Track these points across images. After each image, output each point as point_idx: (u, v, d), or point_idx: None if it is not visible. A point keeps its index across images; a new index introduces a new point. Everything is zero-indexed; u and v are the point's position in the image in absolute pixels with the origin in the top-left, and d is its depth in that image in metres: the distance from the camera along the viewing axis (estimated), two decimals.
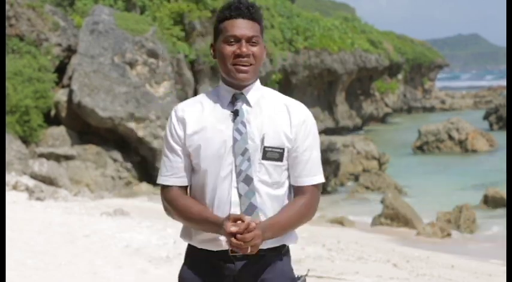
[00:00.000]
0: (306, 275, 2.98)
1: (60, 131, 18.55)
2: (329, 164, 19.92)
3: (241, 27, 2.88)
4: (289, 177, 2.94)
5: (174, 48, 21.57)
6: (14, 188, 14.05)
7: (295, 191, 2.94)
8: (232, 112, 2.89)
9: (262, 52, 2.92)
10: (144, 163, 18.94)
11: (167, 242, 9.03)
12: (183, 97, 19.63)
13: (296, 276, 2.96)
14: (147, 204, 14.81)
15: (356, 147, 23.20)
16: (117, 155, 18.62)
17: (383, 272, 9.00)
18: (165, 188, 2.95)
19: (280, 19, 31.93)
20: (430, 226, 13.88)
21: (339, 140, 22.98)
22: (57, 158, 17.55)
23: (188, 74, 21.60)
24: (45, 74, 19.14)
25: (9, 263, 7.10)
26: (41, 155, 17.41)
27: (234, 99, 2.92)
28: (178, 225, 3.04)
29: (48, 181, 15.84)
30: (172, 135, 2.93)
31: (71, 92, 18.73)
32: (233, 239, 2.71)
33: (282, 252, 2.93)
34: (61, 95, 19.16)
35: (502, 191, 17.04)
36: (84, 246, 8.96)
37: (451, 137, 28.90)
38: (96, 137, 18.97)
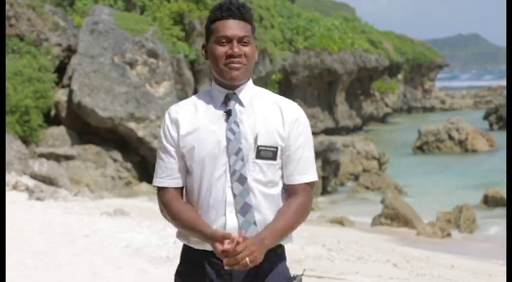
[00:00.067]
0: (302, 274, 2.98)
1: (60, 131, 18.56)
2: (329, 164, 19.92)
3: (233, 27, 2.90)
4: (283, 176, 2.94)
5: (174, 48, 21.57)
6: (14, 188, 14.05)
7: (288, 190, 2.95)
8: (225, 112, 2.90)
9: (254, 52, 2.95)
10: (144, 163, 18.94)
11: (167, 242, 9.03)
12: (183, 97, 19.63)
13: (292, 275, 2.96)
14: (147, 204, 14.81)
15: (356, 147, 23.20)
16: (117, 155, 18.63)
17: (383, 272, 9.00)
18: (160, 190, 2.97)
19: (280, 19, 31.93)
20: (430, 226, 13.88)
21: (339, 140, 22.99)
22: (57, 158, 17.55)
23: (188, 74, 21.60)
24: (45, 74, 19.14)
25: (9, 263, 7.10)
26: (41, 155, 17.41)
27: (226, 100, 2.93)
28: None
29: (48, 181, 15.84)
30: (166, 137, 2.94)
31: (71, 92, 18.73)
32: (227, 260, 2.72)
33: (277, 252, 2.93)
34: (61, 95, 19.16)
35: (502, 191, 17.04)
36: (84, 246, 8.96)
37: (451, 137, 28.91)
38: (96, 137, 18.97)
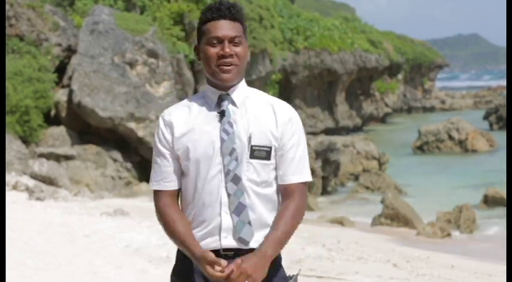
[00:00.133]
0: (298, 274, 2.99)
1: (60, 131, 18.56)
2: (329, 164, 19.92)
3: (223, 28, 2.90)
4: (277, 176, 2.96)
5: (174, 48, 21.57)
6: (14, 188, 14.05)
7: (282, 190, 2.95)
8: (218, 113, 2.92)
9: (246, 52, 2.95)
10: (144, 163, 18.94)
11: (167, 242, 9.03)
12: (183, 97, 19.63)
13: (288, 275, 2.97)
14: (147, 204, 14.81)
15: (356, 147, 23.20)
16: (117, 155, 18.63)
17: (383, 272, 9.00)
18: (156, 193, 2.99)
19: (280, 19, 31.94)
20: (430, 226, 13.88)
21: (339, 140, 22.98)
22: (57, 158, 17.55)
23: (188, 74, 21.60)
24: (45, 74, 19.14)
25: (9, 263, 7.10)
26: (41, 155, 17.41)
27: (220, 100, 2.94)
28: None
29: (48, 181, 15.84)
30: (160, 140, 2.97)
31: (71, 92, 18.73)
32: None
33: None
34: (61, 95, 19.16)
35: (502, 191, 17.04)
36: (84, 246, 8.96)
37: (451, 137, 28.90)
38: (96, 137, 18.98)
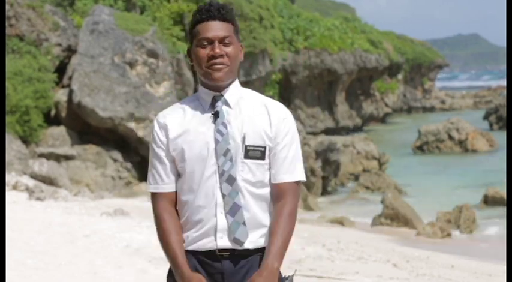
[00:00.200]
0: (294, 274, 3.00)
1: (60, 131, 18.55)
2: (329, 164, 19.92)
3: (213, 29, 2.91)
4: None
5: (174, 48, 21.57)
6: (14, 188, 14.05)
7: (274, 190, 2.96)
8: (212, 114, 2.93)
9: (237, 52, 2.96)
10: (144, 163, 18.93)
11: None
12: (183, 97, 19.62)
13: (283, 276, 2.97)
14: (147, 204, 14.81)
15: (356, 147, 23.20)
16: (117, 155, 18.62)
17: (383, 272, 9.00)
18: (154, 196, 3.01)
19: (280, 19, 31.94)
20: (430, 226, 13.88)
21: (339, 140, 22.98)
22: (57, 158, 17.55)
23: (188, 74, 21.60)
24: (45, 74, 19.14)
25: (9, 263, 7.10)
26: (41, 155, 17.41)
27: (214, 101, 2.96)
28: None
29: (48, 181, 15.84)
30: (156, 142, 2.98)
31: (71, 92, 18.73)
32: None
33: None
34: (61, 95, 19.16)
35: (502, 191, 17.04)
36: (84, 246, 8.96)
37: (451, 137, 28.90)
38: (96, 137, 18.97)
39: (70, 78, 19.53)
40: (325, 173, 19.71)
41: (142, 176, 18.63)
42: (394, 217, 14.66)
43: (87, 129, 19.00)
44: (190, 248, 2.94)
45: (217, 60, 2.90)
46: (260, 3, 27.66)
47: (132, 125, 18.72)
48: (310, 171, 18.88)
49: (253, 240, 2.90)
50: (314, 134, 28.82)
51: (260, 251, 2.92)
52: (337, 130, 35.20)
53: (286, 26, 32.19)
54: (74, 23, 21.50)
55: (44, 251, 8.47)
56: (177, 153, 2.93)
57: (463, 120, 29.77)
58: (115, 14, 20.75)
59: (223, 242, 2.88)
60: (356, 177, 21.79)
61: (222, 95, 2.96)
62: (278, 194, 2.95)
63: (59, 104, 18.99)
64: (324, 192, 19.67)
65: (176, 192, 2.99)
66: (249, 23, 25.95)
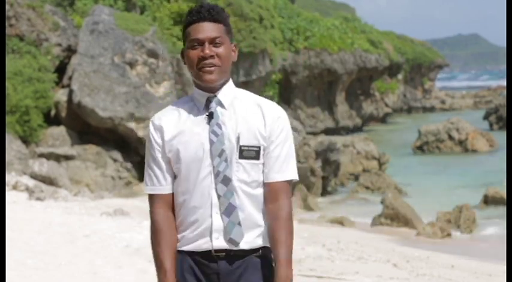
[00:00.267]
0: None
1: (60, 131, 18.55)
2: (329, 164, 19.91)
3: (203, 30, 2.93)
4: None
5: (174, 48, 21.57)
6: (14, 188, 14.05)
7: (267, 188, 2.96)
8: (207, 115, 2.94)
9: (229, 52, 2.97)
10: (144, 163, 18.90)
11: None
12: (183, 97, 19.61)
13: None
14: (147, 204, 14.79)
15: (356, 147, 23.20)
16: (117, 155, 18.62)
17: (383, 272, 9.00)
18: (151, 197, 3.03)
19: (280, 19, 31.95)
20: (430, 226, 13.88)
21: (339, 140, 22.98)
22: (57, 158, 17.55)
23: (188, 74, 21.57)
24: (45, 74, 19.14)
25: (9, 263, 7.10)
26: (41, 155, 17.41)
27: (208, 102, 2.97)
28: None
29: (48, 181, 15.84)
30: (152, 144, 3.01)
31: (71, 92, 18.73)
32: None
33: (263, 253, 2.97)
34: (61, 95, 19.16)
35: (502, 191, 17.04)
36: (84, 246, 8.96)
37: (451, 137, 28.90)
38: (96, 137, 18.97)
39: (70, 78, 19.53)
40: (325, 173, 19.71)
41: (142, 176, 18.50)
42: (394, 217, 14.66)
43: (87, 129, 19.00)
44: (186, 248, 2.95)
45: (208, 62, 2.92)
46: (260, 3, 27.67)
47: (132, 125, 18.72)
48: (310, 171, 18.88)
49: (249, 240, 2.92)
50: (314, 134, 28.82)
51: (255, 252, 2.94)
52: (337, 130, 35.20)
53: (286, 26, 32.19)
54: (74, 23, 21.50)
55: (44, 251, 8.47)
56: (173, 155, 2.95)
57: (463, 120, 29.76)
58: (115, 14, 20.75)
59: (219, 242, 2.90)
60: (356, 177, 21.79)
61: (215, 96, 2.97)
62: (271, 193, 2.96)
63: (59, 104, 18.99)
64: (324, 192, 19.66)
65: (173, 193, 3.00)
66: (249, 23, 25.97)
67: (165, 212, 3.00)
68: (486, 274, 9.80)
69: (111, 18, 20.12)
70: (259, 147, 2.93)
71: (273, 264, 2.99)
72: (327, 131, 32.96)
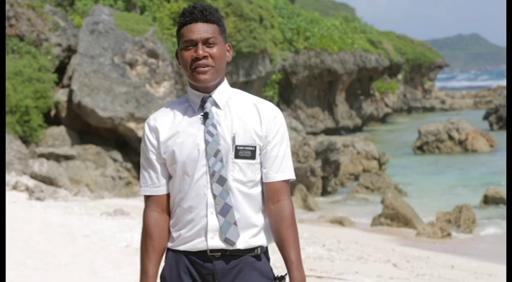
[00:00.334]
0: (286, 274, 3.01)
1: (60, 131, 18.55)
2: (329, 164, 19.91)
3: (196, 31, 2.94)
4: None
5: (174, 48, 21.54)
6: (14, 188, 14.05)
7: (267, 189, 2.98)
8: (202, 115, 2.95)
9: (223, 52, 2.97)
10: None
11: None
12: None
13: (275, 276, 3.00)
14: None
15: (356, 147, 23.20)
16: (117, 155, 18.63)
17: (383, 272, 9.00)
18: (146, 198, 3.05)
19: (280, 19, 31.94)
20: (430, 226, 13.88)
21: (339, 140, 22.98)
22: (57, 158, 17.55)
23: None
24: (45, 74, 19.14)
25: (9, 263, 7.10)
26: (41, 155, 17.41)
27: (203, 103, 2.98)
28: None
29: (48, 181, 15.84)
30: (147, 145, 3.03)
31: (71, 92, 18.73)
32: None
33: (259, 252, 2.97)
34: (61, 95, 19.16)
35: (502, 191, 17.05)
36: (84, 246, 8.96)
37: (451, 137, 28.90)
38: (96, 137, 18.97)
39: (70, 78, 19.53)
40: (325, 173, 19.70)
41: None
42: (394, 217, 14.66)
43: (87, 129, 19.00)
44: (181, 248, 2.96)
45: (201, 62, 2.92)
46: (260, 3, 27.66)
47: (132, 125, 18.72)
48: (310, 171, 18.88)
49: (245, 240, 2.92)
50: (314, 134, 28.82)
51: (251, 251, 2.94)
52: (337, 130, 35.19)
53: (286, 26, 32.18)
54: (74, 23, 21.50)
55: (44, 251, 8.48)
56: (168, 155, 2.96)
57: (463, 120, 29.77)
58: (115, 14, 20.75)
59: (214, 242, 2.90)
60: (356, 177, 21.79)
61: (210, 96, 2.98)
62: (272, 193, 2.97)
63: (59, 104, 18.99)
64: (324, 192, 19.66)
65: (168, 195, 3.01)
66: (249, 23, 25.96)
67: (158, 215, 3.01)
68: (486, 274, 9.80)
69: (111, 18, 20.12)
70: (254, 147, 2.93)
71: (270, 263, 3.01)
72: (327, 131, 32.95)
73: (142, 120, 18.83)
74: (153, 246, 3.00)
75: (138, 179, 18.50)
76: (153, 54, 19.90)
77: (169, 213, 3.03)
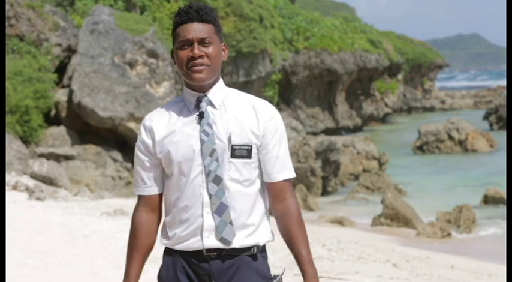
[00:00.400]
0: (282, 274, 3.02)
1: (60, 131, 18.56)
2: (329, 164, 19.91)
3: (192, 30, 2.94)
4: (260, 175, 3.00)
5: None
6: (14, 188, 14.05)
7: (271, 189, 3.00)
8: (197, 115, 2.96)
9: (218, 51, 2.98)
10: None
11: None
12: None
13: (272, 275, 3.00)
14: None
15: (356, 147, 23.20)
16: (117, 155, 18.63)
17: (383, 272, 9.00)
18: (138, 198, 3.08)
19: (280, 19, 31.94)
20: (430, 226, 13.88)
21: (339, 140, 22.98)
22: (57, 158, 17.55)
23: None
24: (45, 74, 19.14)
25: (9, 262, 7.10)
26: (41, 155, 17.42)
27: (198, 102, 2.99)
28: None
29: (48, 181, 15.84)
30: (142, 145, 3.07)
31: (71, 92, 18.74)
32: None
33: (255, 251, 2.97)
34: (61, 95, 19.17)
35: (502, 191, 17.05)
36: (84, 246, 8.96)
37: (451, 137, 28.90)
38: (96, 137, 18.97)
39: (70, 78, 19.53)
40: (325, 173, 19.70)
41: None
42: (394, 217, 14.66)
43: (87, 129, 19.00)
44: (177, 247, 2.97)
45: (197, 61, 2.93)
46: (260, 3, 27.66)
47: (132, 125, 18.72)
48: (310, 171, 18.87)
49: (241, 239, 2.92)
50: (314, 134, 28.81)
51: (247, 251, 2.94)
52: (337, 130, 35.19)
53: (286, 26, 32.18)
54: (74, 23, 21.50)
55: (44, 251, 8.47)
56: (164, 155, 2.97)
57: (463, 120, 29.76)
58: (115, 14, 20.75)
59: (210, 241, 2.90)
60: (356, 177, 21.79)
61: (206, 96, 2.99)
62: (277, 193, 2.99)
63: (59, 104, 19.00)
64: (324, 192, 19.66)
65: (159, 195, 3.04)
66: (249, 23, 25.96)
67: (146, 214, 3.04)
68: (486, 274, 9.80)
69: (111, 18, 20.12)
70: (250, 146, 2.94)
71: (267, 262, 3.01)
72: (327, 131, 32.94)
73: (142, 120, 18.83)
74: (137, 246, 3.04)
75: None
76: (153, 54, 19.90)
77: (159, 214, 3.06)
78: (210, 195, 2.91)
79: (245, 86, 25.58)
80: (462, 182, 21.41)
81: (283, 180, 2.99)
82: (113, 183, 18.03)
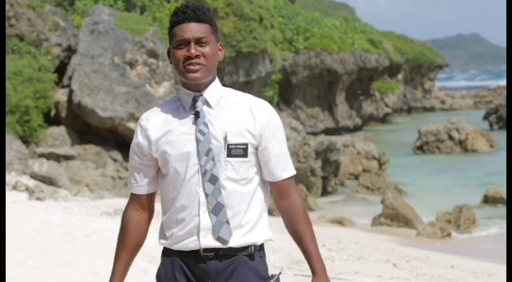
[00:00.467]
0: (280, 273, 3.03)
1: (60, 131, 18.56)
2: (329, 164, 19.91)
3: (189, 30, 2.95)
4: (257, 173, 3.00)
5: None
6: (14, 188, 14.05)
7: (276, 187, 3.02)
8: (193, 114, 2.96)
9: (215, 51, 2.98)
10: None
11: None
12: None
13: (270, 275, 3.00)
14: None
15: (356, 147, 23.20)
16: (117, 155, 18.63)
17: (383, 272, 9.01)
18: (131, 196, 3.09)
19: (280, 19, 31.94)
20: (430, 226, 13.88)
21: (339, 140, 22.97)
22: (57, 158, 17.55)
23: None
24: (45, 74, 19.15)
25: (9, 262, 7.10)
26: (41, 155, 17.42)
27: (194, 102, 2.99)
28: None
29: (48, 181, 15.84)
30: (137, 145, 3.04)
31: (71, 92, 18.74)
32: None
33: (253, 251, 2.97)
34: (61, 95, 19.17)
35: (502, 191, 17.05)
36: (84, 246, 8.96)
37: (451, 137, 28.89)
38: (96, 137, 18.98)
39: (70, 78, 19.54)
40: (325, 173, 19.70)
41: None
42: (394, 217, 14.66)
43: (87, 129, 19.01)
44: (175, 247, 2.97)
45: (194, 61, 2.93)
46: (260, 3, 27.67)
47: (132, 125, 18.73)
48: (310, 171, 18.87)
49: (238, 238, 2.92)
50: (314, 134, 28.81)
51: (244, 250, 2.94)
52: (337, 130, 35.19)
53: (286, 26, 32.18)
54: (74, 23, 21.51)
55: (44, 251, 8.47)
56: (160, 155, 2.97)
57: (463, 120, 29.75)
58: (115, 14, 20.76)
59: (207, 241, 2.90)
60: (356, 177, 21.78)
61: (202, 95, 2.98)
62: (282, 191, 3.02)
63: (59, 104, 19.00)
64: (324, 192, 19.65)
65: (151, 194, 3.06)
66: (249, 23, 25.96)
67: (136, 212, 3.07)
68: (486, 274, 9.80)
69: (111, 18, 20.13)
70: (246, 145, 2.94)
71: (265, 262, 3.02)
72: (327, 131, 32.94)
73: None
74: (125, 243, 3.09)
75: None
76: (153, 54, 19.90)
77: (150, 213, 3.09)
78: (207, 195, 2.91)
79: (245, 86, 25.58)
80: (462, 182, 21.40)
81: (287, 178, 3.01)
82: (113, 183, 18.04)
